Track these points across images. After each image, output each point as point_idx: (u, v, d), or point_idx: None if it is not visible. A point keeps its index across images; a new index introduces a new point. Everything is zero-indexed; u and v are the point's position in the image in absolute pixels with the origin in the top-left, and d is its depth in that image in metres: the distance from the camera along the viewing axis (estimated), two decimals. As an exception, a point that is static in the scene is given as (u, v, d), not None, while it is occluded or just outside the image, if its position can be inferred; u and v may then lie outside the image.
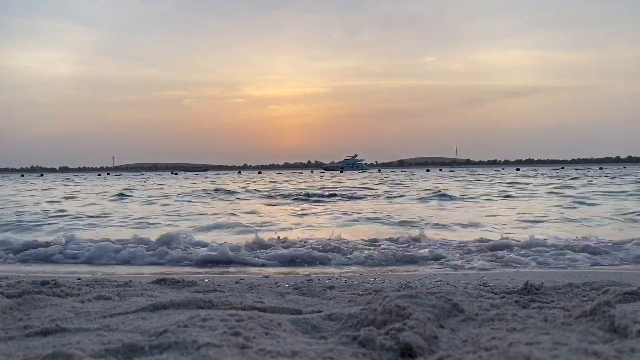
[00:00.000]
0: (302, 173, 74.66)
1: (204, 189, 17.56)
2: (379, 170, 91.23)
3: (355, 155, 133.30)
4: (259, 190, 16.87)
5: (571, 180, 21.63)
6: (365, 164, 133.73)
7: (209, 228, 6.96)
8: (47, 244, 4.83)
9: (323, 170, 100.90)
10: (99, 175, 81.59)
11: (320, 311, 1.64)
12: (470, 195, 13.14)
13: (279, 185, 21.76)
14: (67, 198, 14.56)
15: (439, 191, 14.50)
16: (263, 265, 4.09)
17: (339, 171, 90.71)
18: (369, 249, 4.62)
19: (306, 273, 3.52)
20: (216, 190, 16.76)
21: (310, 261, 4.18)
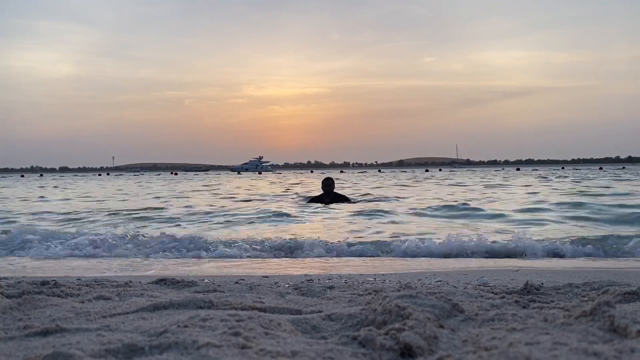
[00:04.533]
0: (302, 173, 74.93)
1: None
2: (379, 171, 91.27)
3: (261, 158, 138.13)
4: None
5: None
6: (270, 165, 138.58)
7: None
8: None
9: (229, 172, 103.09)
10: (99, 175, 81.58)
11: (320, 311, 1.64)
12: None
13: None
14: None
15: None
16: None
17: (244, 172, 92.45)
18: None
19: (306, 273, 3.52)
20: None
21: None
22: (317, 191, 11.67)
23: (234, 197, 13.64)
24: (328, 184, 10.01)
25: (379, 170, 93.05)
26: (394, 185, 20.55)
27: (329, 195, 9.90)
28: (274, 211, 8.68)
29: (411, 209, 8.94)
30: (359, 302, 1.88)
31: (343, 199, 10.06)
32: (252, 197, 13.40)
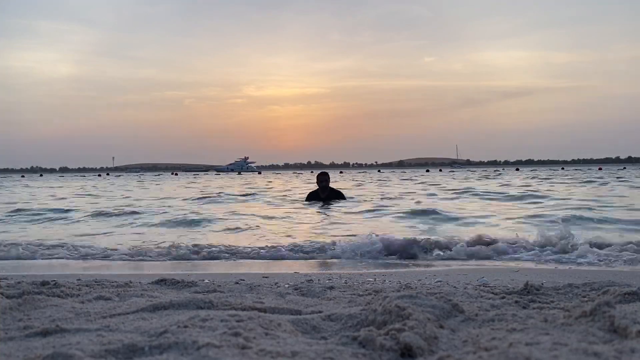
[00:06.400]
0: (301, 173, 74.90)
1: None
2: (379, 171, 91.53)
3: (247, 158, 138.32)
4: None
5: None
6: (256, 166, 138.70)
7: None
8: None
9: (217, 172, 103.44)
10: (99, 175, 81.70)
11: (320, 312, 1.64)
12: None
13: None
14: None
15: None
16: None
17: (235, 173, 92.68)
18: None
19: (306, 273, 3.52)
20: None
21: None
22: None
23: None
24: (323, 179, 9.69)
25: (379, 171, 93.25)
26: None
27: (325, 191, 9.70)
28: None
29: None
30: (359, 302, 1.88)
31: (338, 195, 9.84)
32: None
